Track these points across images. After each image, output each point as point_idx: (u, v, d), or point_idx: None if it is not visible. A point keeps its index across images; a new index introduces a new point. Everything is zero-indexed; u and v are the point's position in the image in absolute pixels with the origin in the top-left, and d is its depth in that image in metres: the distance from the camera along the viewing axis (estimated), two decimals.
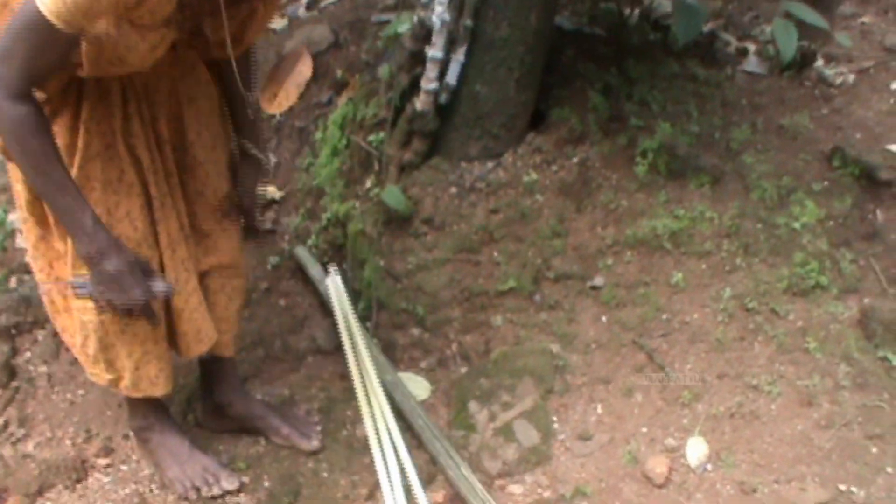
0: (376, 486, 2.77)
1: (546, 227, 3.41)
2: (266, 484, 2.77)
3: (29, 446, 2.80)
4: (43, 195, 2.17)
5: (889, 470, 2.87)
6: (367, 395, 2.96)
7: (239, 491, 2.71)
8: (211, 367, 2.84)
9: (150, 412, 2.71)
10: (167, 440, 2.74)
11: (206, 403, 2.94)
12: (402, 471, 2.76)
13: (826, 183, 3.63)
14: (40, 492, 2.69)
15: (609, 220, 3.48)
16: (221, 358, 2.79)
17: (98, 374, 2.47)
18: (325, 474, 2.82)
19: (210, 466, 2.73)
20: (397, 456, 2.80)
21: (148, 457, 2.78)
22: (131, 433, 2.80)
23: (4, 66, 1.94)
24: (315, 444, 2.87)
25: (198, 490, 2.69)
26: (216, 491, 2.70)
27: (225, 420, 2.91)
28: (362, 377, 3.00)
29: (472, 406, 2.99)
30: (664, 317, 3.27)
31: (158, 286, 2.28)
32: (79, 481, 2.74)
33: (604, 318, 3.27)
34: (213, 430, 2.94)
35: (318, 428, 2.91)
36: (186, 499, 2.68)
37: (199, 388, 2.95)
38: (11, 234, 3.58)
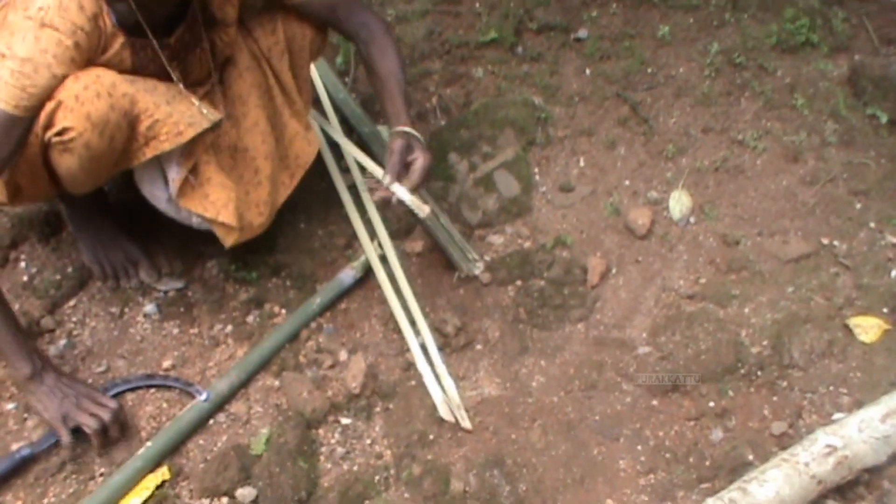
0: (353, 236, 2.55)
1: None
2: None
3: None
4: None
5: (871, 225, 2.70)
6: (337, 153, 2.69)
7: (157, 282, 2.44)
8: None
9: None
10: (91, 218, 2.42)
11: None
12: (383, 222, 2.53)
13: None
14: (13, 244, 2.46)
15: None
16: None
17: None
18: (302, 225, 2.58)
19: (133, 255, 2.42)
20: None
21: (73, 231, 2.48)
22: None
23: None
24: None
25: (117, 279, 2.42)
26: (133, 283, 2.42)
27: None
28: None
29: (452, 157, 2.73)
30: (649, 70, 2.99)
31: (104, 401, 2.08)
32: (52, 234, 2.49)
33: (587, 71, 2.99)
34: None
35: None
36: (105, 282, 2.42)
37: None
38: None
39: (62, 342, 2.28)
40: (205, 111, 2.06)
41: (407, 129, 2.17)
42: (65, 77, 1.84)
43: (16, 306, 2.32)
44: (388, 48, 2.27)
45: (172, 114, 1.98)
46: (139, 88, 1.94)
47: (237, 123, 2.25)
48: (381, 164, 2.35)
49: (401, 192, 2.11)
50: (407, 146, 2.14)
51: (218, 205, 2.14)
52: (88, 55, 1.89)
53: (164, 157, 2.07)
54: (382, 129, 2.76)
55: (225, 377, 2.21)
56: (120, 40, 1.94)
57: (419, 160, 2.14)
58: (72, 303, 2.38)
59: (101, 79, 1.87)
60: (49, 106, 1.85)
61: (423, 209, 2.13)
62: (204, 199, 2.13)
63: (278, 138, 2.33)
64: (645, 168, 2.79)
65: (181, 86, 2.07)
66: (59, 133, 1.86)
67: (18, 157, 1.92)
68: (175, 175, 2.09)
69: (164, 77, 2.05)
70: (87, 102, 1.84)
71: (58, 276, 2.40)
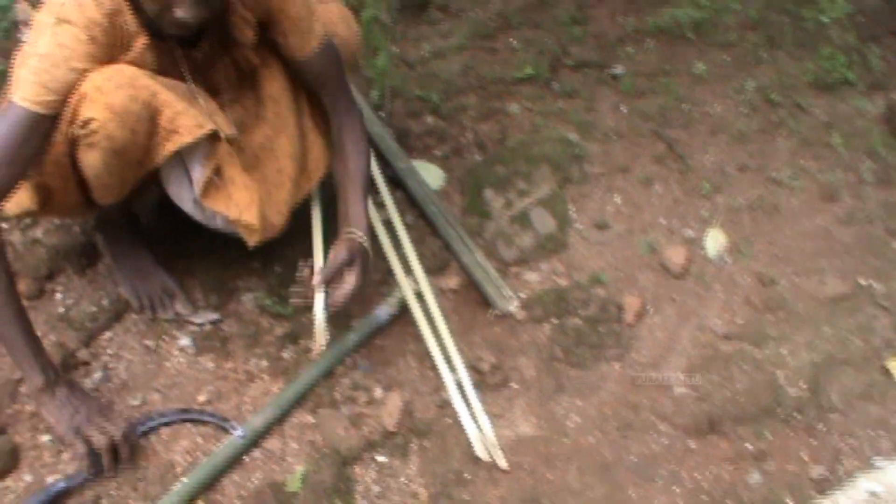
0: (388, 272, 2.55)
1: (565, 14, 3.12)
2: (277, 269, 2.54)
3: (38, 233, 2.56)
4: None
5: None
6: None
7: (193, 315, 2.44)
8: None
9: (115, 217, 2.42)
10: (129, 249, 2.44)
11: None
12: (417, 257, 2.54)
13: None
14: (50, 276, 2.47)
15: (630, 8, 3.18)
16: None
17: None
18: None
19: (169, 287, 2.44)
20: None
21: (110, 262, 2.48)
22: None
23: None
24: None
25: (153, 310, 2.42)
26: (169, 315, 2.42)
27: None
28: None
29: (488, 193, 2.74)
30: (685, 107, 3.00)
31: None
32: (89, 266, 2.51)
33: (623, 108, 3.00)
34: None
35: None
36: (141, 313, 2.43)
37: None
38: (16, 24, 3.25)
39: (97, 375, 2.29)
40: (219, 123, 2.08)
41: (362, 236, 2.22)
42: (85, 72, 1.87)
43: (51, 338, 2.33)
44: (360, 144, 2.34)
45: (190, 108, 2.00)
46: (160, 82, 1.97)
47: (268, 123, 2.27)
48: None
49: (318, 307, 2.16)
50: (349, 260, 2.17)
51: (241, 205, 2.15)
52: (108, 51, 1.91)
53: (187, 158, 2.08)
54: (419, 165, 2.77)
55: (260, 413, 2.21)
56: (143, 41, 1.97)
57: (349, 284, 2.17)
58: (107, 335, 2.39)
59: (123, 71, 1.89)
60: (73, 99, 1.87)
61: (317, 343, 2.20)
62: (227, 199, 2.14)
63: (301, 139, 2.35)
64: (680, 206, 2.79)
65: (200, 95, 2.10)
66: (83, 125, 1.88)
67: (47, 156, 1.95)
68: (198, 175, 2.10)
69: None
70: (108, 93, 1.86)
71: (94, 309, 2.41)
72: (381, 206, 2.66)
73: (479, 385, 2.34)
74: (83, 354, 2.32)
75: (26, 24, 3.03)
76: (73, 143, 1.94)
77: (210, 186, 2.11)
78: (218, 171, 2.12)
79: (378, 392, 2.31)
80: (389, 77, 2.97)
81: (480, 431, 2.23)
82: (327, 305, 2.17)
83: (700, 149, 2.92)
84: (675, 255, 2.64)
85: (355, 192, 2.30)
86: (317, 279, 2.15)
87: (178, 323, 2.42)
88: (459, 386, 2.32)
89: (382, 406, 2.28)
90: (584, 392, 2.38)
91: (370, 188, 2.67)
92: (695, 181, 2.84)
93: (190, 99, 2.03)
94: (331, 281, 2.18)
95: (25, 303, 2.32)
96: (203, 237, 2.56)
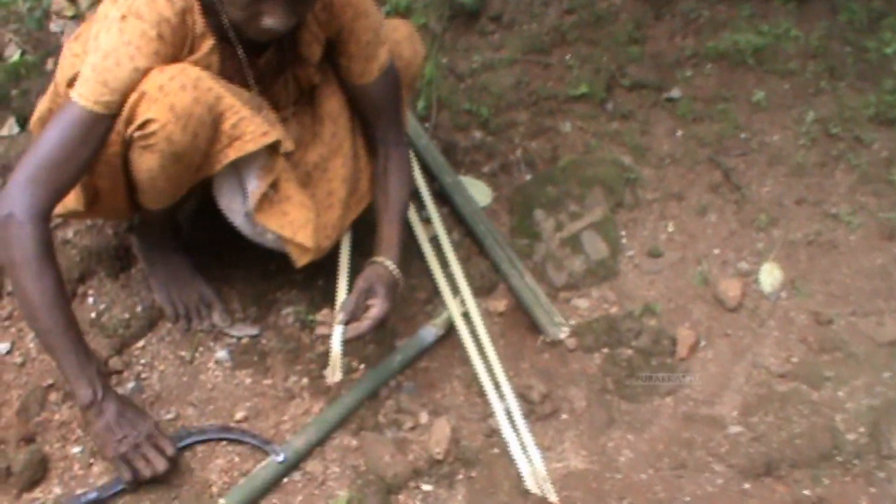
0: (434, 291, 2.49)
1: (622, 32, 3.06)
2: (320, 283, 2.48)
3: (69, 233, 2.50)
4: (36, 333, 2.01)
5: None
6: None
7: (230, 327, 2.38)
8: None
9: (157, 222, 2.33)
10: (166, 255, 2.37)
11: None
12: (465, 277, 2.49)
13: None
14: (81, 279, 2.41)
15: (689, 31, 3.13)
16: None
17: None
18: None
19: (206, 296, 2.37)
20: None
21: (145, 268, 2.41)
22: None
23: (36, 183, 1.81)
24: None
25: (189, 321, 2.35)
26: (205, 326, 2.35)
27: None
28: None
29: (538, 214, 2.68)
30: (743, 135, 2.95)
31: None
32: (122, 270, 2.44)
33: (679, 132, 2.94)
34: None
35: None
36: (176, 322, 2.36)
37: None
38: (47, 14, 3.20)
39: (130, 385, 2.23)
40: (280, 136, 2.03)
41: (387, 263, 2.18)
42: (147, 70, 1.81)
43: None
44: (405, 175, 2.32)
45: (255, 115, 1.94)
46: (224, 86, 1.91)
47: (324, 143, 2.23)
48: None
49: (336, 339, 2.10)
50: (369, 289, 2.12)
51: (296, 224, 2.09)
52: (173, 51, 1.86)
53: (243, 170, 2.02)
54: (466, 181, 2.72)
55: (301, 434, 2.14)
56: (209, 43, 1.92)
57: (375, 309, 2.10)
58: (140, 344, 2.33)
59: (187, 71, 1.83)
60: (132, 98, 1.81)
61: (331, 375, 2.16)
62: (282, 216, 2.08)
63: (355, 161, 2.30)
64: (736, 237, 2.74)
65: (264, 105, 2.05)
66: (141, 126, 1.82)
67: (100, 156, 1.89)
68: (254, 188, 2.03)
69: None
70: (171, 94, 1.80)
71: (126, 315, 2.35)
72: (427, 221, 2.60)
73: (529, 415, 2.28)
74: (115, 363, 2.27)
75: (58, 14, 2.98)
76: (127, 145, 1.89)
77: (265, 201, 2.05)
78: (275, 186, 2.06)
79: (424, 417, 2.25)
80: (437, 88, 2.92)
81: (531, 463, 2.17)
82: (345, 338, 2.11)
83: (757, 179, 2.86)
84: (730, 288, 2.58)
85: (391, 222, 2.25)
86: (341, 315, 2.09)
87: (215, 334, 2.36)
88: (508, 414, 2.25)
89: (428, 432, 2.21)
90: (636, 426, 2.32)
91: (416, 202, 2.62)
92: (751, 212, 2.78)
93: (254, 106, 1.98)
94: (356, 310, 2.11)
95: None
96: (243, 246, 2.50)
